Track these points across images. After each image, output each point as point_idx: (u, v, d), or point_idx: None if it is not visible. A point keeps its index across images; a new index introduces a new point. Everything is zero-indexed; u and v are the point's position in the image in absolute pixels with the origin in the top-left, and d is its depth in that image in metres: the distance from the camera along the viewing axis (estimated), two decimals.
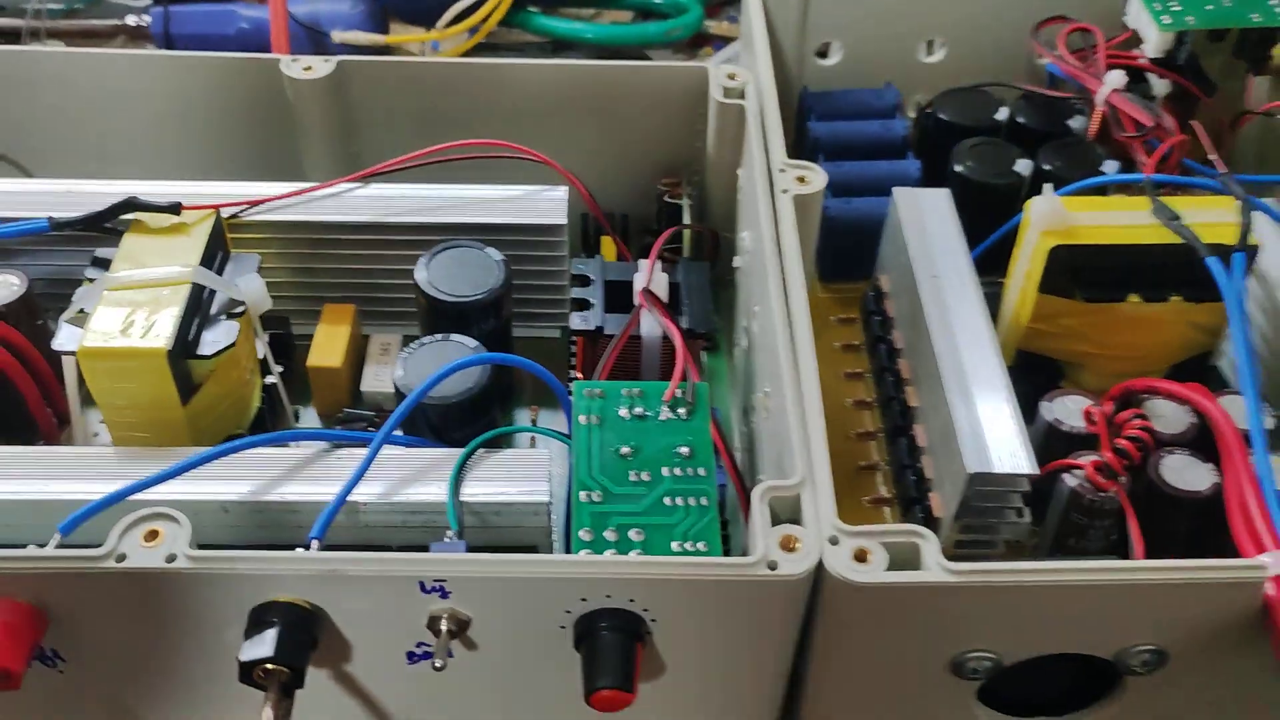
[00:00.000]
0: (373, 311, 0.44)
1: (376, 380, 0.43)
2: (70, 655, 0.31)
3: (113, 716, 0.33)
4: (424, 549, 0.33)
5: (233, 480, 0.34)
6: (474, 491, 0.34)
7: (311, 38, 0.60)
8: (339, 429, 0.41)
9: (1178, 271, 0.38)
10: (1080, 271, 0.39)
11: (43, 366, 0.40)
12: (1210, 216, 0.38)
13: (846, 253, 0.48)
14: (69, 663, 0.31)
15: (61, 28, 0.65)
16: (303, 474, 0.35)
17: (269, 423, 0.41)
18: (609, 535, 0.31)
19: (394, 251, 0.43)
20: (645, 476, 0.32)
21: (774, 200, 0.40)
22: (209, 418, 0.37)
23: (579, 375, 0.42)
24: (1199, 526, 0.35)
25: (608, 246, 0.47)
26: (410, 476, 0.34)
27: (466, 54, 0.62)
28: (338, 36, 0.59)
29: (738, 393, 0.44)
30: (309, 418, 0.43)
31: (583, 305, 0.40)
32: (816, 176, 0.41)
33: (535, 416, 0.43)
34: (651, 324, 0.39)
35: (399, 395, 0.37)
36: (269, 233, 0.43)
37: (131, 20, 0.64)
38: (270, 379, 0.41)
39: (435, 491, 0.34)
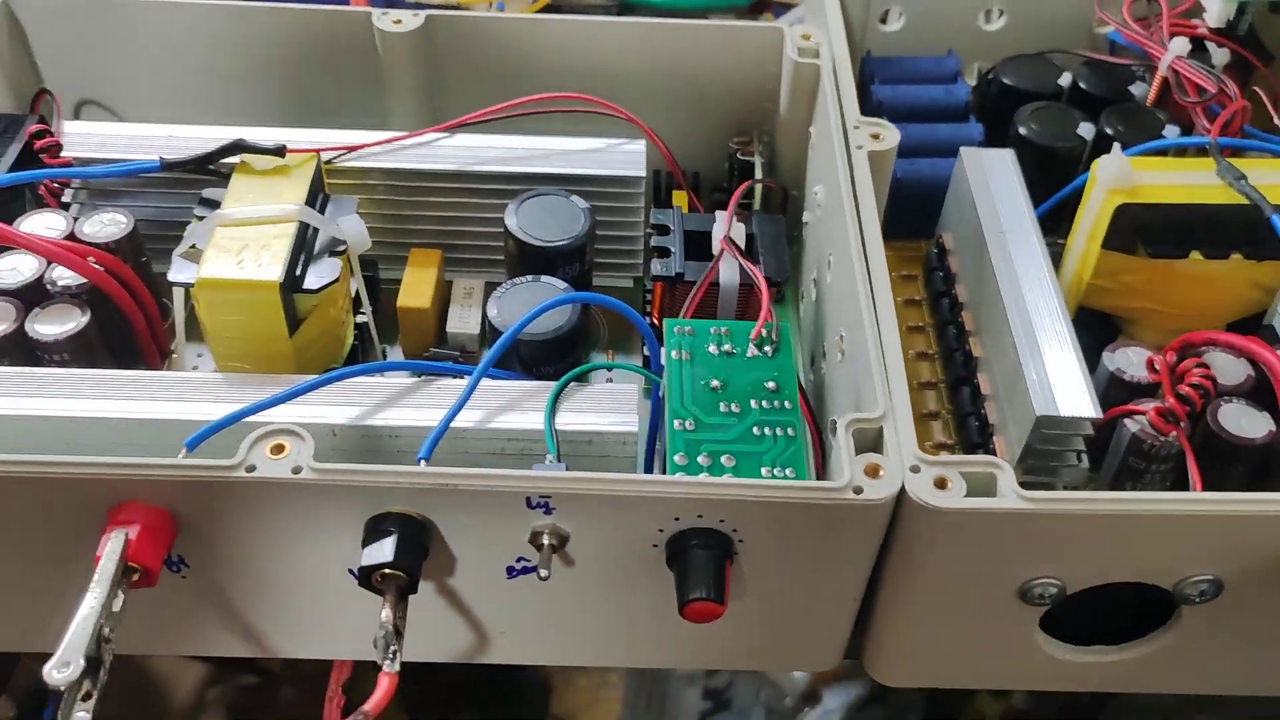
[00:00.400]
0: (456, 258, 0.46)
1: (461, 322, 0.45)
2: (193, 561, 0.33)
3: (224, 621, 0.36)
4: None
5: (340, 406, 0.36)
6: (568, 421, 0.36)
7: None
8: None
9: (1240, 230, 0.40)
10: (1144, 229, 0.41)
11: (148, 300, 0.43)
12: (1273, 179, 0.40)
13: (908, 212, 0.49)
14: (190, 568, 0.34)
15: None
16: (403, 402, 0.37)
17: (361, 359, 0.43)
18: (702, 460, 0.33)
19: (479, 200, 0.45)
20: (735, 408, 0.34)
21: (849, 156, 0.41)
22: (310, 351, 0.40)
23: (656, 321, 0.44)
24: (1255, 472, 0.36)
25: (680, 200, 0.49)
26: (505, 406, 0.36)
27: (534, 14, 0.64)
28: None
29: (803, 343, 0.46)
30: (395, 356, 0.45)
31: (663, 252, 0.42)
32: (889, 133, 0.42)
33: (612, 358, 0.45)
34: (730, 271, 0.41)
35: (492, 331, 0.39)
36: (360, 179, 0.44)
37: None
38: (362, 317, 0.43)
39: (531, 420, 0.36)
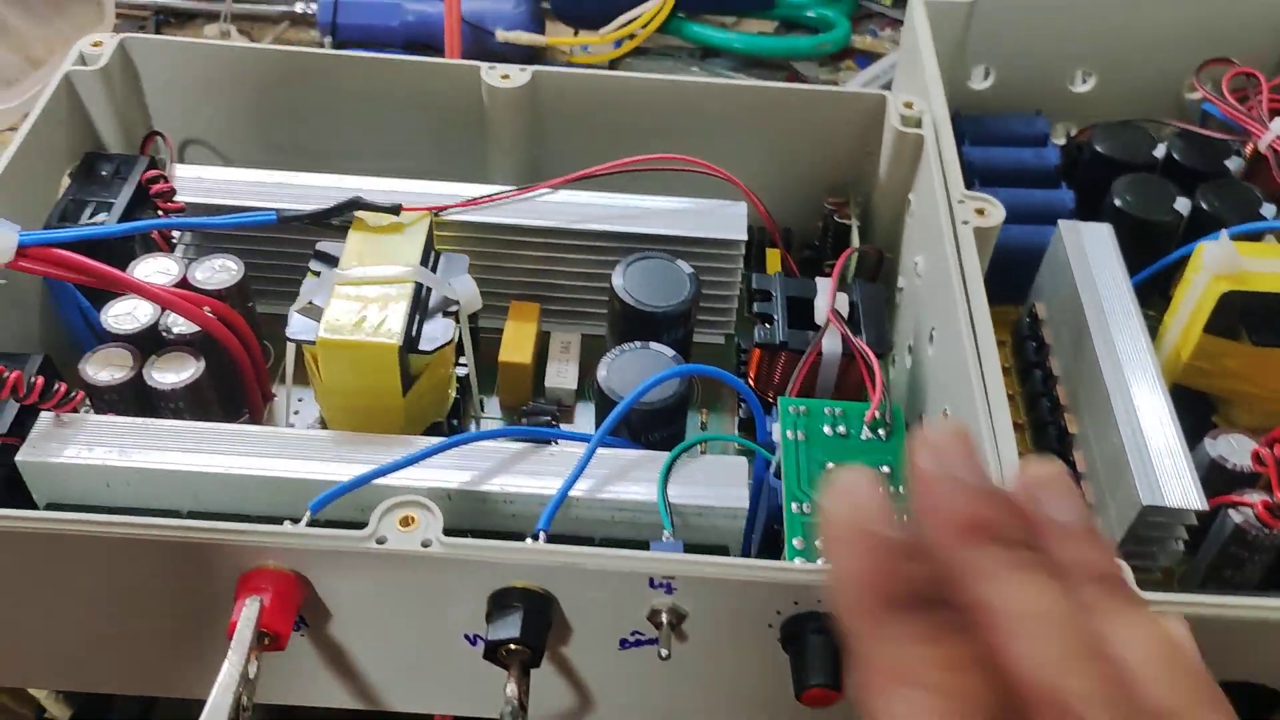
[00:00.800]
0: (553, 309, 0.47)
1: (559, 377, 0.46)
2: (313, 620, 0.34)
3: (335, 675, 0.36)
4: (628, 544, 0.36)
5: (455, 469, 0.37)
6: (679, 493, 0.36)
7: (474, 35, 0.62)
8: (525, 422, 0.44)
9: None
10: (1248, 316, 0.41)
11: (255, 346, 0.43)
12: None
13: (998, 277, 0.49)
14: (310, 627, 0.34)
15: (231, 10, 0.68)
16: (516, 466, 0.37)
17: (461, 411, 0.44)
18: (820, 545, 0.33)
19: (580, 255, 0.46)
20: None
21: (955, 230, 0.42)
22: (418, 406, 0.40)
23: (751, 384, 0.44)
24: None
25: (773, 258, 0.49)
26: (615, 474, 0.37)
27: (617, 58, 0.64)
28: (501, 36, 0.62)
29: None
30: (491, 407, 0.46)
31: (765, 318, 0.43)
32: (994, 209, 0.43)
33: (705, 419, 0.45)
34: (833, 342, 0.41)
35: (601, 396, 0.39)
36: (463, 231, 0.45)
37: (299, 8, 0.66)
38: (463, 369, 0.44)
39: (641, 491, 0.36)
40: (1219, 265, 0.40)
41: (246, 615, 0.31)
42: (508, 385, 0.45)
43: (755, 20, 0.69)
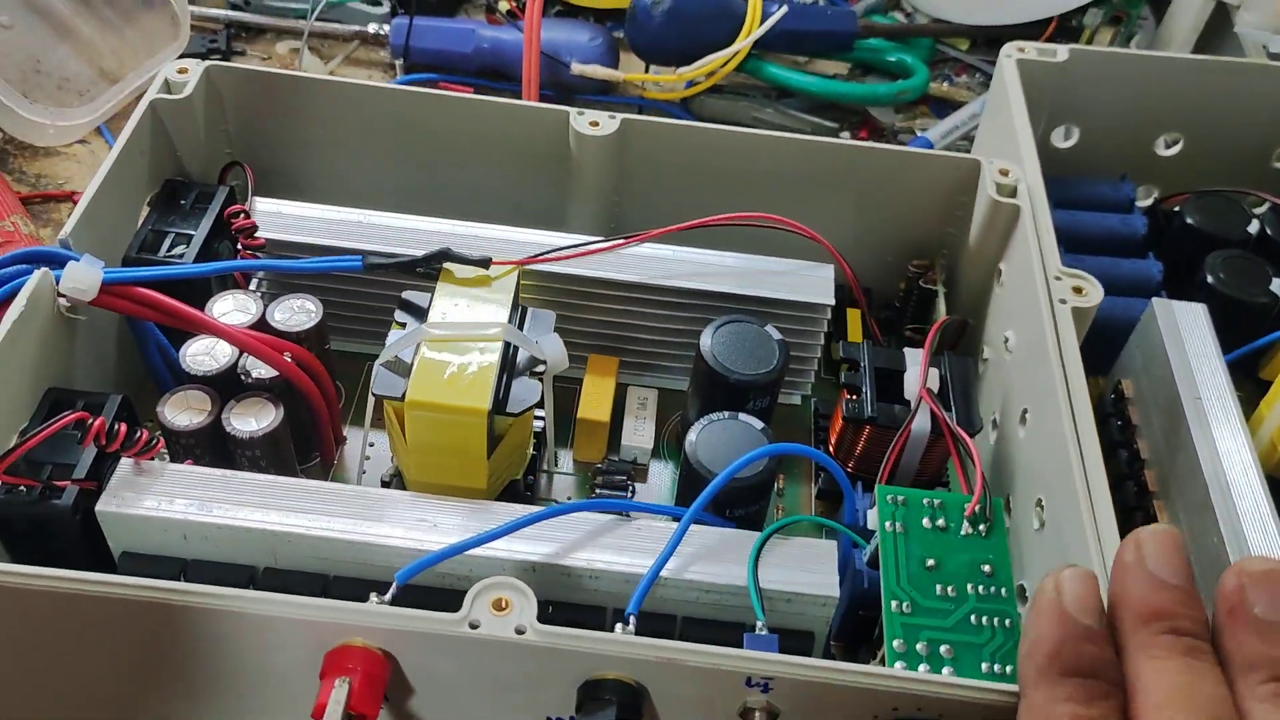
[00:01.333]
0: (632, 364, 0.46)
1: (635, 435, 0.45)
2: (394, 697, 0.33)
3: None
4: (712, 624, 0.36)
5: (539, 540, 0.36)
6: (769, 577, 0.35)
7: (549, 66, 0.61)
8: (600, 480, 0.43)
9: None
10: None
11: (330, 391, 0.43)
12: None
13: (1082, 349, 0.48)
14: (390, 702, 0.34)
15: (303, 28, 0.67)
16: (603, 541, 0.36)
17: (537, 466, 0.43)
18: (920, 648, 0.32)
19: (663, 311, 0.45)
20: (951, 591, 0.33)
21: (1053, 309, 0.41)
22: (501, 465, 0.40)
23: (831, 451, 0.43)
24: None
25: (853, 319, 0.48)
26: (702, 553, 0.36)
27: (691, 96, 0.63)
28: (577, 69, 0.61)
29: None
30: (565, 460, 0.45)
31: (853, 390, 0.42)
32: (1093, 289, 0.42)
33: (781, 485, 0.45)
34: (922, 420, 0.40)
35: (687, 465, 0.39)
36: (546, 281, 0.44)
37: (373, 28, 0.66)
38: (540, 423, 0.43)
39: (731, 573, 0.36)
40: None
41: (336, 696, 0.30)
42: (584, 441, 0.44)
43: (827, 61, 0.67)
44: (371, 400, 0.40)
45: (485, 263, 0.40)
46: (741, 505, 0.38)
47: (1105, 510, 0.35)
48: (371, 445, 0.45)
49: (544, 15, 0.66)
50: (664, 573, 0.35)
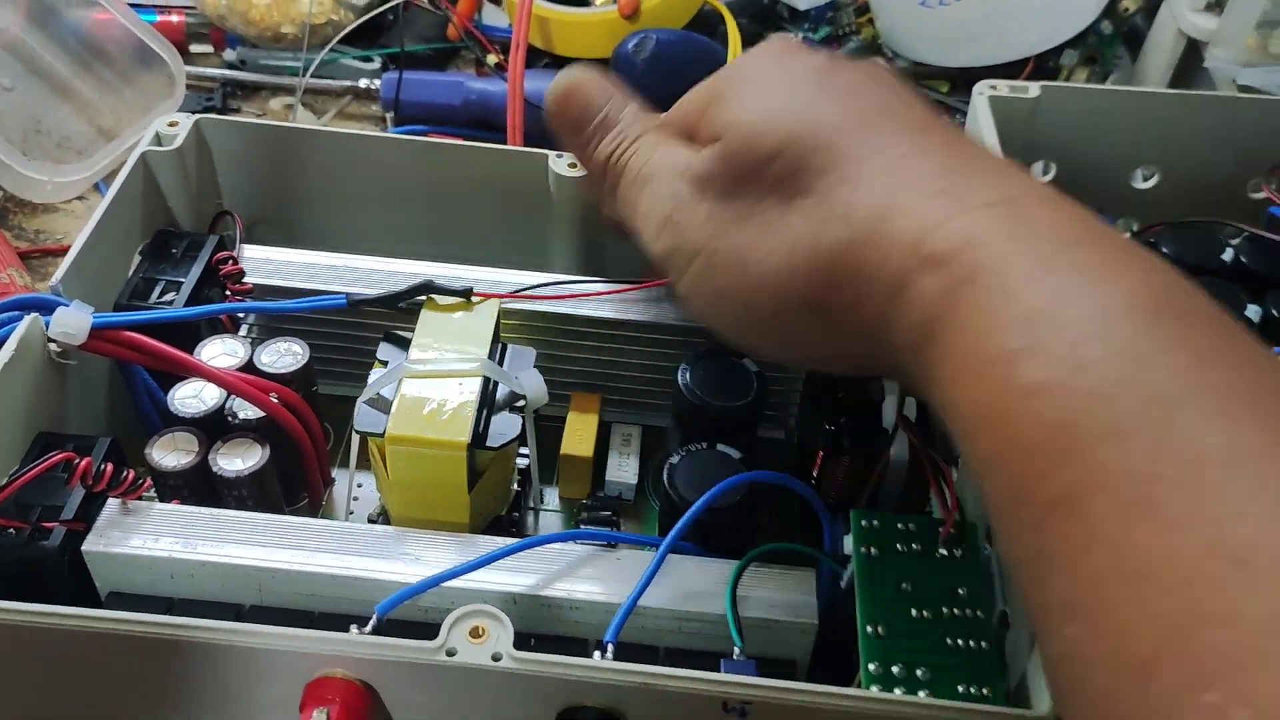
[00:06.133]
0: (615, 400, 0.47)
1: (619, 471, 0.45)
2: None
3: None
4: (693, 654, 0.36)
5: (519, 572, 0.36)
6: (749, 606, 0.36)
7: (534, 114, 0.63)
8: (584, 516, 0.44)
9: None
10: None
11: (318, 431, 0.43)
12: None
13: None
14: None
15: (294, 84, 0.69)
16: (582, 572, 0.37)
17: (522, 503, 0.43)
18: (896, 671, 0.32)
19: (643, 348, 0.45)
20: (926, 614, 0.34)
21: None
22: (483, 501, 0.40)
23: (814, 484, 0.44)
24: None
25: None
26: (682, 583, 0.36)
27: None
28: None
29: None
30: (550, 497, 0.46)
31: (832, 420, 0.42)
32: None
33: (763, 519, 0.45)
34: (901, 448, 0.40)
35: (666, 497, 0.39)
36: (528, 320, 0.45)
37: (364, 83, 0.67)
38: (524, 460, 0.43)
39: (707, 602, 0.36)
40: None
41: None
42: (568, 478, 0.45)
43: None
44: (356, 438, 0.41)
45: (467, 293, 0.41)
46: (721, 535, 0.39)
47: None
48: (359, 486, 0.45)
49: (532, 67, 0.68)
50: (643, 603, 0.36)
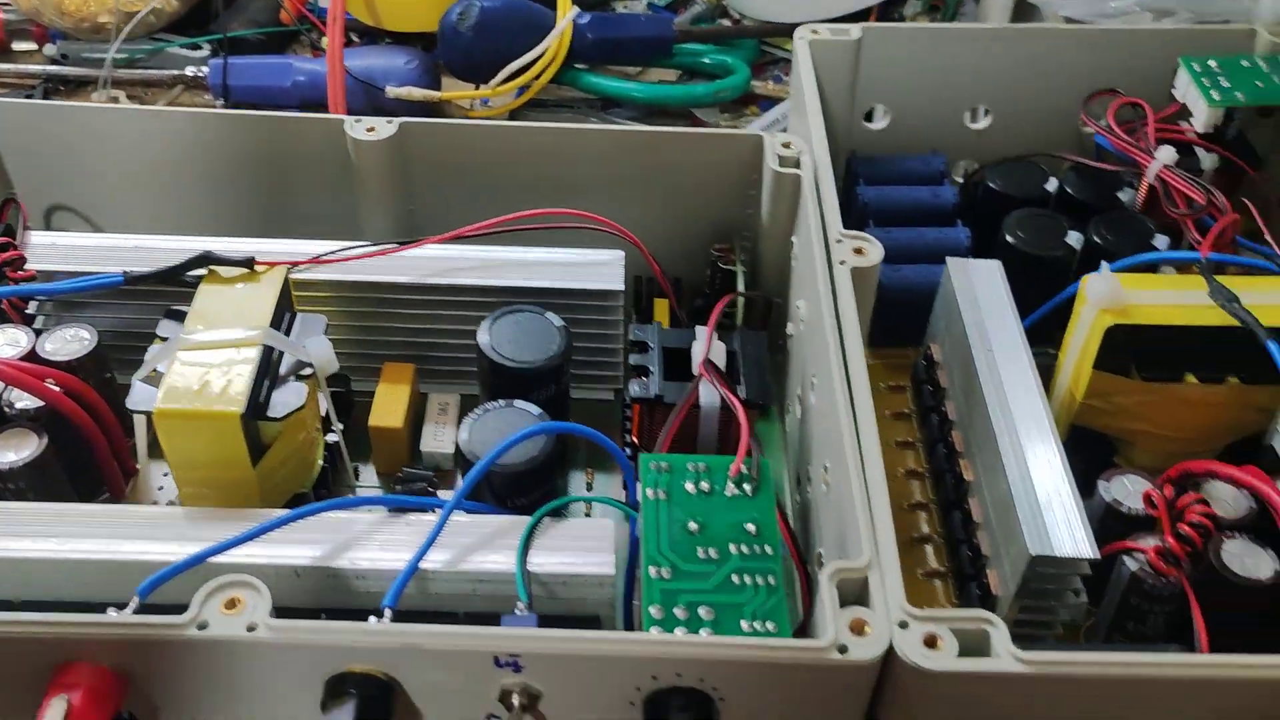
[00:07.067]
0: (431, 369, 0.45)
1: (435, 441, 0.43)
2: (144, 717, 0.32)
3: None
4: (492, 617, 0.34)
5: (304, 544, 0.35)
6: (541, 562, 0.34)
7: (366, 92, 0.61)
8: (399, 489, 0.42)
9: (1235, 353, 0.39)
10: (1137, 351, 0.40)
11: (111, 421, 0.41)
12: (1267, 298, 0.39)
13: (896, 319, 0.48)
14: None
15: (122, 77, 0.66)
16: (371, 539, 0.35)
17: (331, 480, 0.41)
18: (679, 613, 0.31)
19: (453, 312, 0.44)
20: (713, 553, 0.32)
21: (831, 271, 0.40)
22: (276, 477, 0.38)
23: (635, 440, 0.42)
24: (1262, 613, 0.35)
25: (661, 309, 0.47)
26: (476, 544, 0.35)
27: (516, 110, 0.63)
28: (391, 92, 0.60)
29: (790, 460, 0.44)
30: (368, 475, 0.44)
31: (641, 372, 0.41)
32: (873, 248, 0.41)
33: (591, 480, 0.44)
34: (710, 394, 0.39)
35: (463, 459, 0.37)
36: (331, 290, 0.43)
37: (190, 71, 0.65)
38: (332, 437, 0.42)
39: (502, 560, 0.34)
40: (1102, 299, 0.39)
41: (50, 717, 0.28)
42: (382, 451, 0.43)
43: (659, 70, 0.68)
44: (141, 421, 0.39)
45: (249, 263, 0.39)
46: (523, 494, 0.37)
47: (875, 468, 0.33)
48: (165, 475, 0.43)
49: (368, 44, 0.66)
50: (432, 565, 0.34)
